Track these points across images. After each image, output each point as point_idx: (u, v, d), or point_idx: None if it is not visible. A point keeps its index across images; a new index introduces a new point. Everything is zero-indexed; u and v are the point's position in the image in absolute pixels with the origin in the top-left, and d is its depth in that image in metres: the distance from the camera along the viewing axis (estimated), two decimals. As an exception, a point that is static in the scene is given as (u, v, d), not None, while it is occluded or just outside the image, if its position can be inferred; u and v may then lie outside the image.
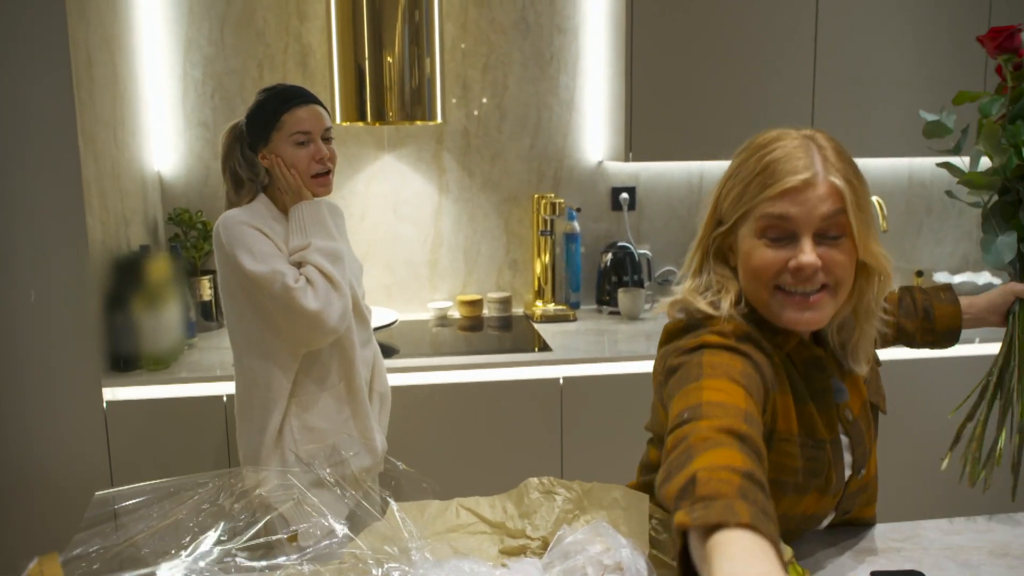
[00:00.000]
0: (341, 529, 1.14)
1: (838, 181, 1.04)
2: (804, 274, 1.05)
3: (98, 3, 2.23)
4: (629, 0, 2.51)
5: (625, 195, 2.90)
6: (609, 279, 2.85)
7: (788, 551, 0.94)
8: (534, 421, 2.34)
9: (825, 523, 1.24)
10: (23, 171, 1.99)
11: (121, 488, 1.10)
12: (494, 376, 2.32)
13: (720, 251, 1.17)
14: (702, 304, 1.13)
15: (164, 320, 2.25)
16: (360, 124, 2.54)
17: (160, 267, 2.29)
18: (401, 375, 2.27)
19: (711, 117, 2.59)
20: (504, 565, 1.09)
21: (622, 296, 2.76)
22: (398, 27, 2.41)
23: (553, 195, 2.79)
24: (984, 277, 3.01)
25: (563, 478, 2.40)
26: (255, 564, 1.10)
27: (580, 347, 2.44)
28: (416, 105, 2.47)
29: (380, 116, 2.45)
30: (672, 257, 2.98)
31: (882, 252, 1.09)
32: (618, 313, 2.81)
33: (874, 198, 2.89)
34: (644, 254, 2.89)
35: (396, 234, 2.84)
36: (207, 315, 2.56)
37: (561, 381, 2.34)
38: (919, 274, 3.06)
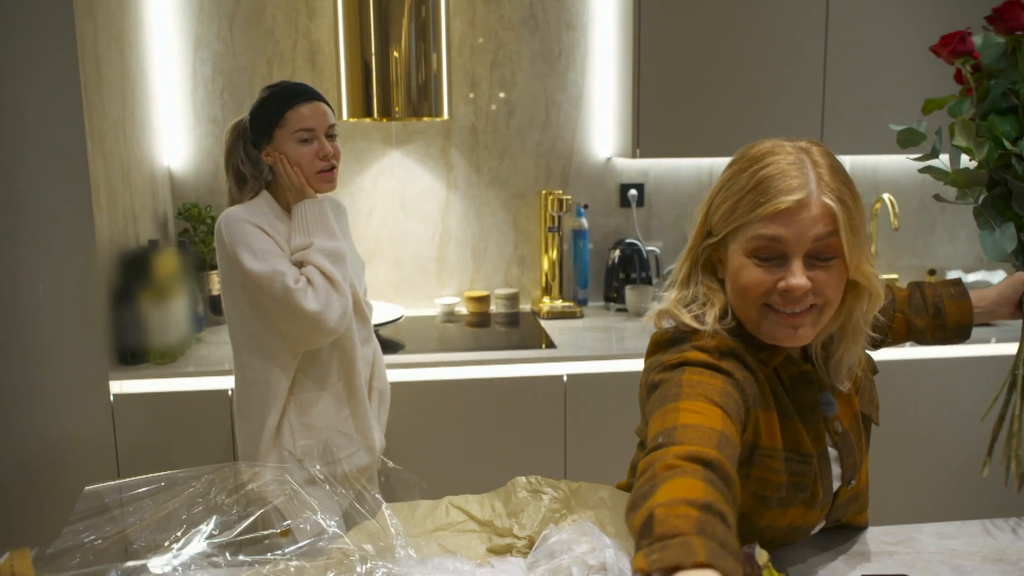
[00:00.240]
0: (331, 526, 1.15)
1: (831, 202, 1.02)
2: (793, 296, 1.04)
3: (107, 2, 2.25)
4: (637, -4, 2.50)
5: (634, 192, 2.89)
6: (617, 276, 2.84)
7: (764, 555, 0.94)
8: (538, 418, 2.34)
9: (814, 533, 1.24)
10: (31, 168, 2.02)
11: (111, 483, 1.11)
12: (498, 372, 2.33)
13: (709, 262, 1.17)
14: (687, 318, 1.13)
15: (172, 314, 2.28)
16: (367, 120, 2.55)
17: (168, 262, 2.31)
18: (405, 371, 2.29)
19: (720, 114, 2.56)
20: (489, 564, 1.10)
21: (630, 293, 2.75)
22: (404, 23, 2.42)
23: (561, 191, 2.78)
24: (999, 275, 2.95)
25: (566, 476, 2.41)
26: (244, 559, 1.11)
27: (585, 344, 2.44)
28: (423, 101, 2.47)
29: (387, 112, 2.45)
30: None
31: (874, 272, 1.08)
32: (626, 310, 2.80)
33: (886, 196, 2.86)
34: (652, 251, 2.88)
35: (404, 230, 2.85)
36: (216, 309, 2.58)
37: (565, 378, 2.34)
38: (931, 272, 3.02)
